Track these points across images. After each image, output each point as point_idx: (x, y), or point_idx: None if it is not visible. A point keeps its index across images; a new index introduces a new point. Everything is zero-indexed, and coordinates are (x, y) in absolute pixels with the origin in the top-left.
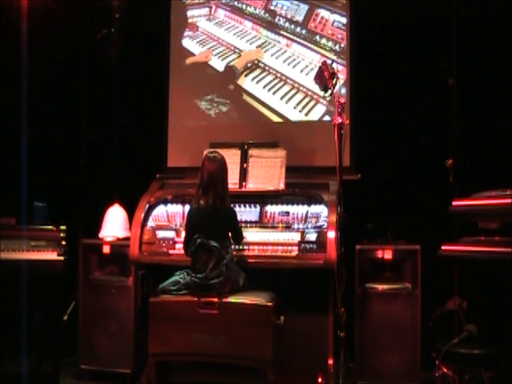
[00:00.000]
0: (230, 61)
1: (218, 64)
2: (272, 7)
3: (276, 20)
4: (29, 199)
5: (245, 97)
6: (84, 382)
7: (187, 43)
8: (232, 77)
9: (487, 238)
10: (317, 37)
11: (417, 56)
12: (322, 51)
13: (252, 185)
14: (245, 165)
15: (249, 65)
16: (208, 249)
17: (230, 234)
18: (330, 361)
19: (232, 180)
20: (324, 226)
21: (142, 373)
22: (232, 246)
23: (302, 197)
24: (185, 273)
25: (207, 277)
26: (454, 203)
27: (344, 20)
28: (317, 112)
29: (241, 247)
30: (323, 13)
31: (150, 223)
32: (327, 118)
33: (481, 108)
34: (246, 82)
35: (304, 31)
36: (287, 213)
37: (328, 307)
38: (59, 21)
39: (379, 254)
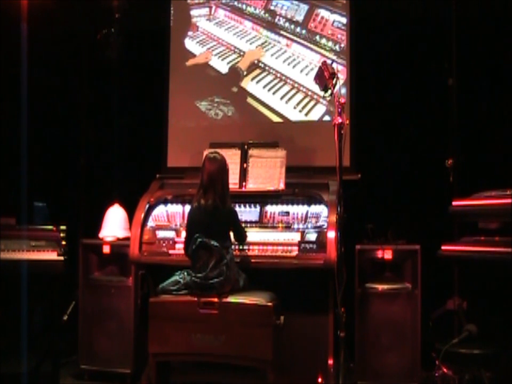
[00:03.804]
0: (230, 61)
1: (219, 65)
2: (272, 7)
3: (276, 20)
4: (29, 199)
5: (248, 99)
6: (84, 382)
7: (187, 43)
8: (237, 79)
9: (487, 238)
10: (317, 37)
11: (417, 56)
12: (322, 51)
13: (252, 185)
14: (245, 165)
15: (251, 65)
16: (208, 249)
17: (231, 234)
18: (330, 361)
19: (232, 180)
20: (324, 226)
21: (142, 373)
22: (233, 246)
23: (302, 197)
24: (185, 273)
25: (207, 276)
26: (454, 203)
27: (344, 20)
28: (317, 112)
29: (241, 247)
30: (323, 13)
31: (150, 223)
32: (327, 118)
33: (481, 107)
34: (249, 85)
35: (304, 31)
36: (287, 213)
37: (328, 307)
38: (59, 21)
39: (379, 254)
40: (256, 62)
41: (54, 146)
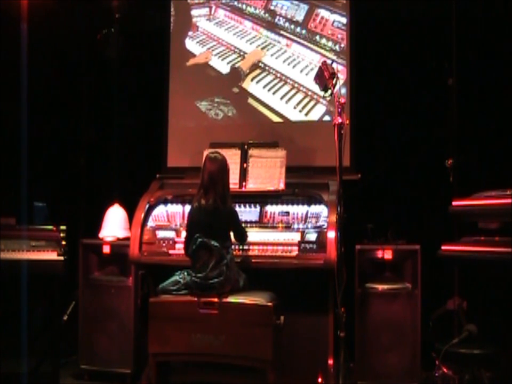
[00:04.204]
0: (230, 61)
1: (219, 65)
2: (272, 7)
3: (276, 20)
4: (29, 199)
5: (248, 99)
6: (83, 382)
7: (187, 43)
8: (238, 79)
9: (487, 238)
10: (317, 37)
11: (417, 56)
12: (322, 51)
13: (252, 185)
14: (245, 165)
15: (252, 66)
16: (208, 249)
17: (232, 234)
18: (330, 361)
19: (232, 180)
20: (324, 226)
21: (142, 373)
22: (233, 246)
23: (302, 197)
24: (185, 273)
25: (207, 276)
26: (454, 203)
27: (344, 20)
28: (317, 112)
29: (241, 247)
30: (323, 13)
31: (150, 223)
32: (327, 118)
33: (481, 107)
34: (249, 85)
35: (304, 31)
36: (287, 213)
37: (328, 307)
38: (59, 21)
39: (379, 254)
40: (257, 62)
41: (54, 146)
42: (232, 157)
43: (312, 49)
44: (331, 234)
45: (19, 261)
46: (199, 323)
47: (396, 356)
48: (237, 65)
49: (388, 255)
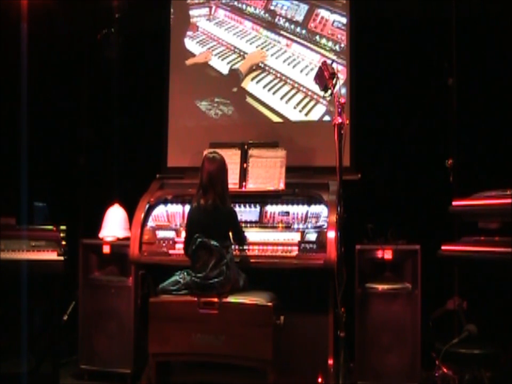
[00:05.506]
0: (230, 61)
1: (219, 65)
2: (272, 7)
3: (276, 20)
4: (29, 199)
5: (248, 99)
6: (83, 382)
7: (187, 43)
8: (236, 81)
9: (487, 238)
10: (317, 37)
11: (417, 56)
12: (322, 51)
13: (252, 185)
14: (245, 165)
15: (253, 67)
16: (208, 249)
17: (231, 234)
18: (330, 361)
19: (232, 180)
20: (324, 226)
21: (142, 373)
22: (233, 246)
23: (302, 197)
24: (185, 273)
25: (207, 276)
26: (454, 203)
27: (344, 20)
28: (317, 112)
29: (241, 247)
30: (323, 13)
31: (150, 223)
32: (327, 118)
33: (481, 107)
34: (249, 85)
35: (304, 31)
36: (287, 213)
37: (328, 307)
38: (59, 21)
39: (379, 254)
40: (255, 65)
41: (54, 146)
42: (232, 157)
43: (312, 49)
44: (331, 234)
45: (19, 261)
46: (199, 323)
47: (395, 356)
48: (236, 66)
49: (388, 255)
